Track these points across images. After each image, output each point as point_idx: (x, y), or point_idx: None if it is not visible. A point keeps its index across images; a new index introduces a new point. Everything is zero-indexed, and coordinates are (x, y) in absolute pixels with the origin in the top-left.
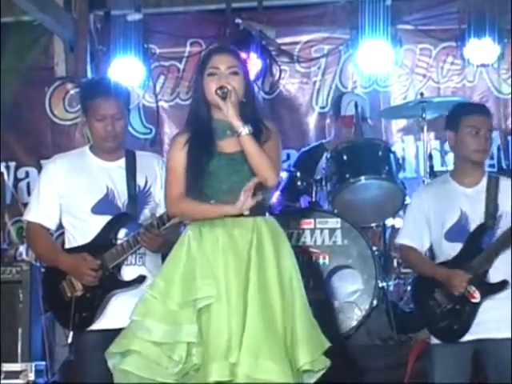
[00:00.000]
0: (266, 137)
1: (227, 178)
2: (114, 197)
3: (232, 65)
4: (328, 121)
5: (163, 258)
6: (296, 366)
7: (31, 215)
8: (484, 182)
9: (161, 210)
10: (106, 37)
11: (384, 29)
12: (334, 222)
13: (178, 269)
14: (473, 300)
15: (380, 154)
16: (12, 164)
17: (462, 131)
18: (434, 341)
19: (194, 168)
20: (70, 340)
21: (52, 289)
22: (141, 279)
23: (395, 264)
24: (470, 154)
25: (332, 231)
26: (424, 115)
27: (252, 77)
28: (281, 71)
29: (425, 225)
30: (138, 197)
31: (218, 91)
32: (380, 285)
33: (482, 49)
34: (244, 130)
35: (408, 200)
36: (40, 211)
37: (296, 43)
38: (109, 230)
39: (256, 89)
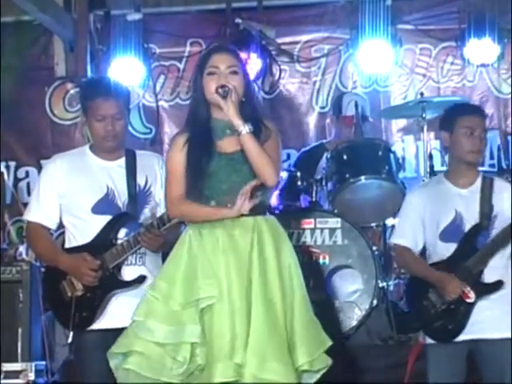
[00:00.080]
0: (265, 136)
1: (227, 178)
2: (114, 196)
3: (231, 64)
4: (328, 121)
5: (163, 258)
6: (294, 366)
7: (31, 215)
8: (478, 182)
9: (161, 210)
10: (105, 37)
11: (384, 29)
12: (335, 222)
13: (180, 268)
14: (467, 300)
15: (380, 153)
16: (12, 164)
17: (457, 132)
18: (429, 341)
19: (193, 169)
20: (70, 340)
21: (52, 288)
22: (141, 279)
23: (395, 264)
24: (464, 154)
25: (332, 231)
26: (424, 115)
27: (252, 76)
28: (281, 71)
29: (419, 225)
30: (138, 196)
31: (219, 90)
32: (380, 285)
33: (482, 49)
34: (244, 128)
35: None
36: (40, 211)
37: (296, 43)
38: (109, 230)
39: (256, 88)
